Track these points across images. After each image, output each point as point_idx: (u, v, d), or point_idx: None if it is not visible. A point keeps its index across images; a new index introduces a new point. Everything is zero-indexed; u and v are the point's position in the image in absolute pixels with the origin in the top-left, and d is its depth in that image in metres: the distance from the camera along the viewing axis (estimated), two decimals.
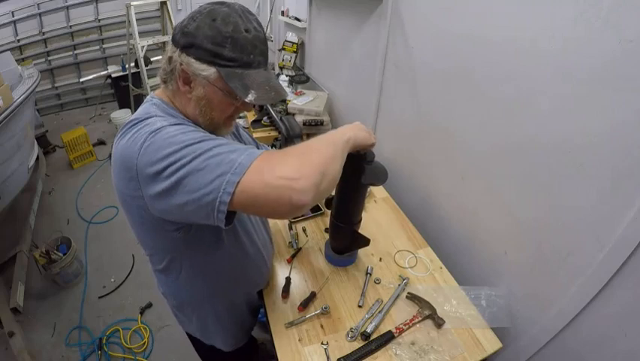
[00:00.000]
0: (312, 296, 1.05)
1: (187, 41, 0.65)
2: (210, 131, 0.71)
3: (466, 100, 1.16)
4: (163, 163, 0.57)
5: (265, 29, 3.28)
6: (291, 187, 0.55)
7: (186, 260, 0.82)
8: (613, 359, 0.81)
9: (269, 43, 2.95)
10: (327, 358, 0.90)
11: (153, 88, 3.56)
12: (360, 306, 1.03)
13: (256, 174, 0.56)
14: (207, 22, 0.64)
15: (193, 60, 0.65)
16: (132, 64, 3.92)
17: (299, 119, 2.06)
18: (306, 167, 0.58)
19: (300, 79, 2.63)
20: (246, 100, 0.65)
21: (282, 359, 0.90)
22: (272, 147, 2.05)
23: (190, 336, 1.07)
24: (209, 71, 0.65)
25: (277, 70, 2.84)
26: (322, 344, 0.92)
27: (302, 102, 2.23)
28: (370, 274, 1.12)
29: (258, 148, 1.03)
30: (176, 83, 0.70)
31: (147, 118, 0.66)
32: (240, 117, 2.28)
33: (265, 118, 2.26)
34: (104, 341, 1.90)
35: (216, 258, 0.84)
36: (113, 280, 2.32)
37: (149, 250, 0.83)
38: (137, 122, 0.65)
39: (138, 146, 0.60)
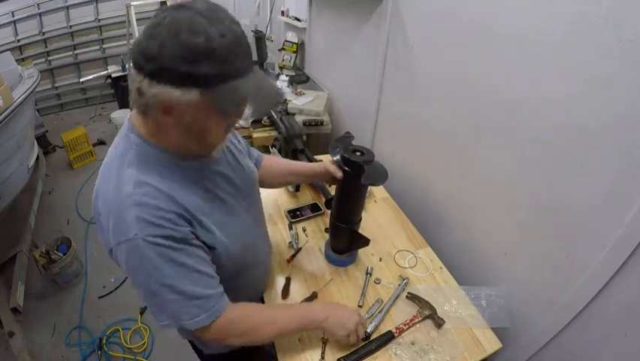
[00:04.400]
0: (314, 296, 1.05)
1: (154, 67, 0.53)
2: (205, 152, 0.72)
3: (466, 100, 1.16)
4: (133, 283, 0.67)
5: (265, 29, 3.24)
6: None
7: None
8: (613, 360, 0.81)
9: (268, 43, 2.94)
10: (323, 352, 0.90)
11: None
12: (360, 306, 1.03)
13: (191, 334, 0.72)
14: (170, 38, 0.52)
15: (168, 87, 0.54)
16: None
17: (299, 119, 2.06)
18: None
19: (300, 79, 2.63)
20: (244, 118, 0.62)
21: (282, 359, 0.89)
22: (272, 147, 2.05)
23: (190, 340, 1.05)
24: (191, 93, 0.54)
25: (277, 70, 2.84)
26: (322, 338, 0.93)
27: (302, 102, 2.23)
28: (370, 274, 1.12)
29: (250, 155, 1.02)
30: (156, 116, 0.60)
31: (124, 183, 0.63)
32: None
33: (265, 118, 2.26)
34: (104, 341, 1.90)
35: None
36: (113, 280, 2.32)
37: None
38: (114, 186, 0.63)
39: (114, 243, 0.63)
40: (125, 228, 0.61)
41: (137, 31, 3.38)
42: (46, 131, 3.84)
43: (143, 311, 2.08)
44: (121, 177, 0.64)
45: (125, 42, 3.81)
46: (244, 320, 0.76)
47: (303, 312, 0.85)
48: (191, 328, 0.68)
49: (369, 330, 0.94)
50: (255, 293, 1.03)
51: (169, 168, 0.68)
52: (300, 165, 1.14)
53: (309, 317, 0.84)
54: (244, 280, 0.91)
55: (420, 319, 0.98)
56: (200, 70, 0.53)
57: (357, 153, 0.95)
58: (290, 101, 2.29)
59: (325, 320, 0.84)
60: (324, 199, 1.42)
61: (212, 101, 0.56)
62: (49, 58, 4.61)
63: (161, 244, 0.62)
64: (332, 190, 1.32)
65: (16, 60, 3.11)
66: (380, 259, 1.19)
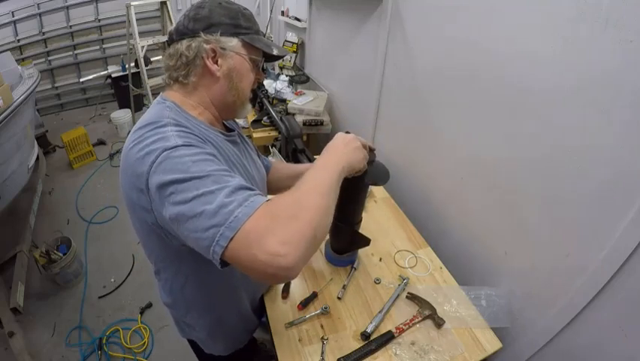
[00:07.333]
0: (314, 296, 1.05)
1: (205, 24, 0.72)
2: (238, 108, 0.81)
3: (467, 100, 1.16)
4: (169, 188, 0.58)
5: (265, 29, 3.25)
6: (278, 264, 0.52)
7: (192, 270, 0.82)
8: (613, 360, 0.81)
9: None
10: (322, 353, 0.90)
11: (153, 88, 3.57)
12: (339, 298, 1.05)
13: (244, 243, 0.53)
14: (215, 5, 0.74)
15: (218, 36, 0.73)
16: (132, 64, 3.92)
17: (299, 119, 2.06)
18: (296, 239, 0.54)
19: (300, 79, 2.63)
20: (274, 53, 0.79)
21: (282, 359, 0.90)
22: (272, 147, 2.05)
23: (190, 341, 1.05)
24: (233, 41, 0.74)
25: (277, 70, 2.85)
26: (322, 338, 0.93)
27: (302, 102, 2.23)
28: (356, 269, 1.14)
29: (259, 157, 1.03)
30: (201, 70, 0.74)
31: (162, 126, 0.65)
32: None
33: (265, 118, 2.26)
34: (104, 341, 1.90)
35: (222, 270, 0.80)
36: (113, 280, 2.32)
37: (154, 258, 0.82)
38: (152, 128, 0.65)
39: (150, 161, 0.60)
40: (164, 146, 0.61)
41: (137, 31, 3.37)
42: (46, 131, 3.83)
43: (143, 311, 2.08)
44: (161, 135, 0.63)
45: (125, 42, 3.80)
46: (275, 216, 0.57)
47: (326, 173, 0.69)
48: (234, 227, 0.53)
49: (369, 330, 0.94)
50: (255, 289, 1.02)
51: (199, 131, 0.71)
52: (304, 167, 1.14)
53: (332, 173, 0.69)
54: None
55: (420, 319, 0.98)
56: (239, 22, 0.75)
57: None
58: (290, 101, 2.29)
59: (346, 161, 0.74)
60: None
61: (250, 43, 0.76)
62: (49, 58, 4.60)
63: (199, 147, 0.63)
64: None
65: (16, 60, 3.10)
66: (380, 259, 1.19)
